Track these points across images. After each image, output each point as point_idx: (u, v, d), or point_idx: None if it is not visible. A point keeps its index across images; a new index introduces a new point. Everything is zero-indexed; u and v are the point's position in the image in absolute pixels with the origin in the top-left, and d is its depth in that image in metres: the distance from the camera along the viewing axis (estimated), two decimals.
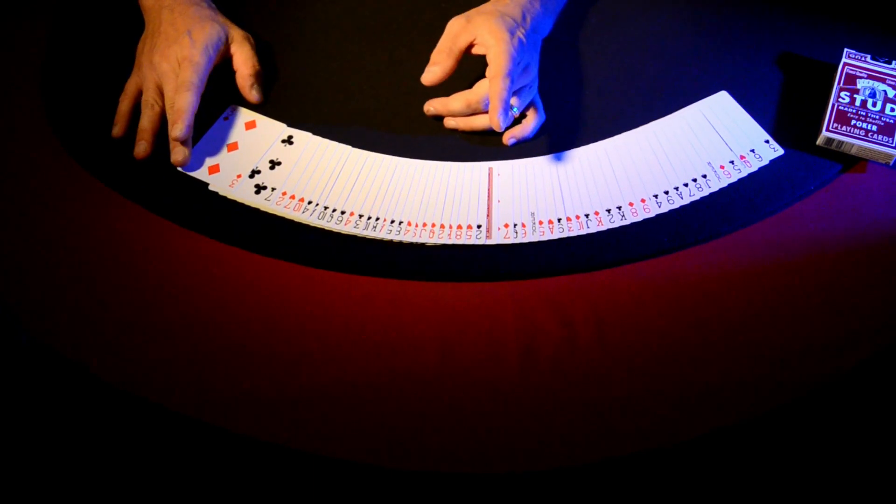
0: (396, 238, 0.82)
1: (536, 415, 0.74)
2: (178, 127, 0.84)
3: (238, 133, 0.89)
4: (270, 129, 0.89)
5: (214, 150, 0.87)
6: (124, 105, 0.89)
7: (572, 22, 0.97)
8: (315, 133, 0.89)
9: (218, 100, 0.91)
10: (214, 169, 0.85)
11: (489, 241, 0.82)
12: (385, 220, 0.83)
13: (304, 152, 0.88)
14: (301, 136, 0.89)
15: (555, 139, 0.88)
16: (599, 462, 0.72)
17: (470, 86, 0.88)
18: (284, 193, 0.84)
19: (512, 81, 0.82)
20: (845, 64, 0.89)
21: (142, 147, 0.86)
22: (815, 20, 0.96)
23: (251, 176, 0.86)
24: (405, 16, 0.99)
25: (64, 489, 0.84)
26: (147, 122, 0.87)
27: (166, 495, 0.83)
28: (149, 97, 0.88)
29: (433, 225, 0.83)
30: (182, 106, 0.84)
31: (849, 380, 0.75)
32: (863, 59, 0.89)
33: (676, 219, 0.83)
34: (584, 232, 0.82)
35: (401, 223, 0.83)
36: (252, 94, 0.91)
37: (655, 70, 0.93)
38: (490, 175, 0.86)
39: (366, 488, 0.76)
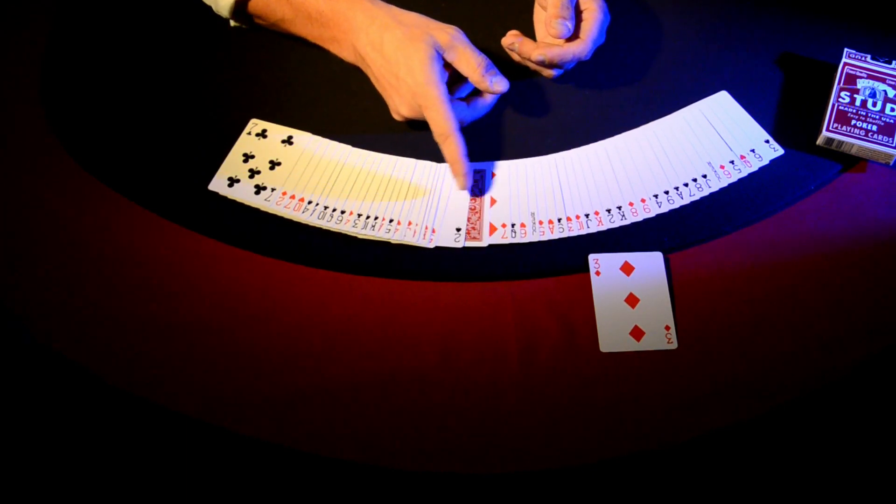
0: (396, 238, 0.82)
1: (536, 415, 0.74)
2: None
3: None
4: (271, 130, 0.89)
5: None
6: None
7: None
8: (315, 133, 0.89)
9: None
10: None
11: (489, 242, 0.82)
12: (384, 219, 0.83)
13: (304, 152, 0.88)
14: (301, 137, 0.89)
15: (555, 139, 0.88)
16: (598, 462, 0.72)
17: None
18: (284, 193, 0.84)
19: None
20: (845, 64, 0.89)
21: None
22: (815, 20, 0.96)
23: (251, 176, 0.86)
24: None
25: (64, 489, 0.84)
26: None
27: (166, 495, 0.83)
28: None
29: (433, 225, 0.83)
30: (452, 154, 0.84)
31: (849, 380, 0.75)
32: (863, 59, 0.89)
33: (676, 219, 0.83)
34: (584, 232, 0.82)
35: (400, 223, 0.83)
36: (496, 87, 0.85)
37: (655, 70, 0.93)
38: (491, 175, 0.86)
39: (366, 488, 0.76)
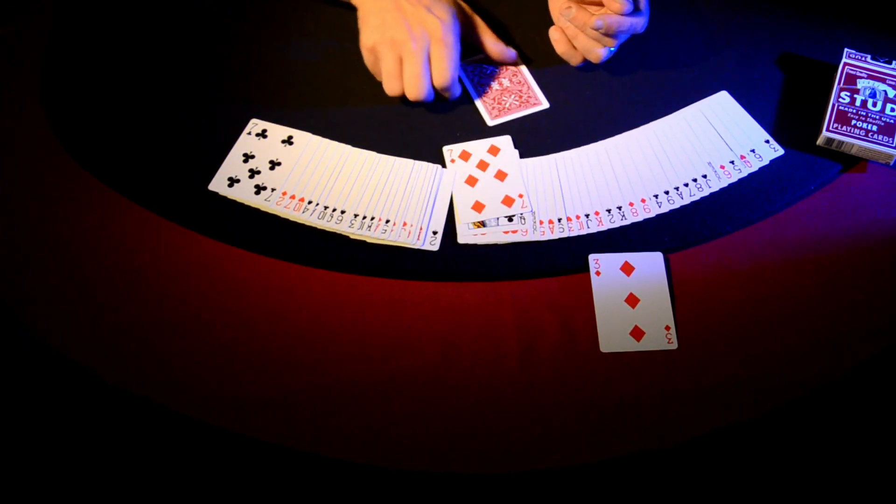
0: (391, 239, 0.82)
1: (536, 415, 0.74)
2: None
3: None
4: (271, 130, 0.89)
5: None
6: None
7: None
8: (315, 133, 0.89)
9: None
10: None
11: (489, 242, 0.82)
12: (381, 220, 0.83)
13: (304, 152, 0.88)
14: (301, 137, 0.89)
15: (555, 139, 0.88)
16: (599, 462, 0.72)
17: None
18: (284, 193, 0.84)
19: None
20: (845, 64, 0.89)
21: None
22: (815, 20, 0.96)
23: (251, 176, 0.86)
24: None
25: (64, 489, 0.84)
26: None
27: (166, 495, 0.83)
28: None
29: (427, 226, 0.83)
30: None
31: (849, 380, 0.75)
32: (863, 59, 0.89)
33: (676, 219, 0.83)
34: (584, 232, 0.82)
35: (395, 224, 0.83)
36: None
37: (655, 70, 0.93)
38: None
39: (366, 488, 0.76)
